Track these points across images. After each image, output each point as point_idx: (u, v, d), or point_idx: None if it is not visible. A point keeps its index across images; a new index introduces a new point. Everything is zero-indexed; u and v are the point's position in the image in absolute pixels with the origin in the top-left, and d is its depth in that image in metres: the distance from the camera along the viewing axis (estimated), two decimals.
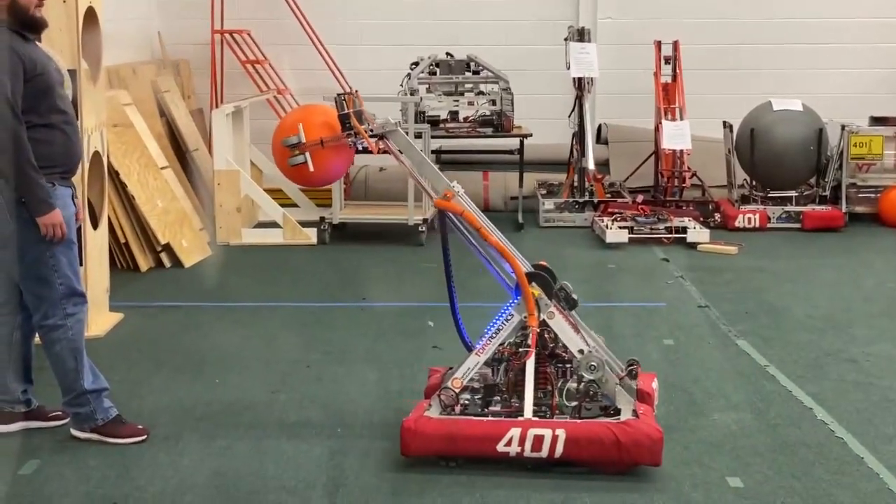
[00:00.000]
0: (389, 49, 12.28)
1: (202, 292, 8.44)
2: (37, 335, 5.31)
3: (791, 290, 8.49)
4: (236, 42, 11.96)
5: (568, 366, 5.09)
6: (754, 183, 11.18)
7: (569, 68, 11.09)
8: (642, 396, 5.10)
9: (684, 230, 10.15)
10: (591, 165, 11.05)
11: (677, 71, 11.27)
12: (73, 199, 5.20)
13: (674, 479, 4.80)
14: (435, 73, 11.31)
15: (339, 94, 5.18)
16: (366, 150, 5.24)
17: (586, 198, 11.09)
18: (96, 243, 7.23)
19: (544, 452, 4.78)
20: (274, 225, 10.41)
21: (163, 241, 9.03)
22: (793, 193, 11.08)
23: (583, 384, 4.98)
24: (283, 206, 10.60)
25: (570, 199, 11.15)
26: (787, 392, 6.01)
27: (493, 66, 11.31)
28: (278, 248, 10.09)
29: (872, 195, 11.18)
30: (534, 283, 5.02)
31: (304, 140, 5.09)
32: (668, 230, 10.19)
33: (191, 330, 7.37)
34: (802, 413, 5.69)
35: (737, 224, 10.81)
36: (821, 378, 6.28)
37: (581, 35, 11.21)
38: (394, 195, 10.88)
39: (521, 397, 4.94)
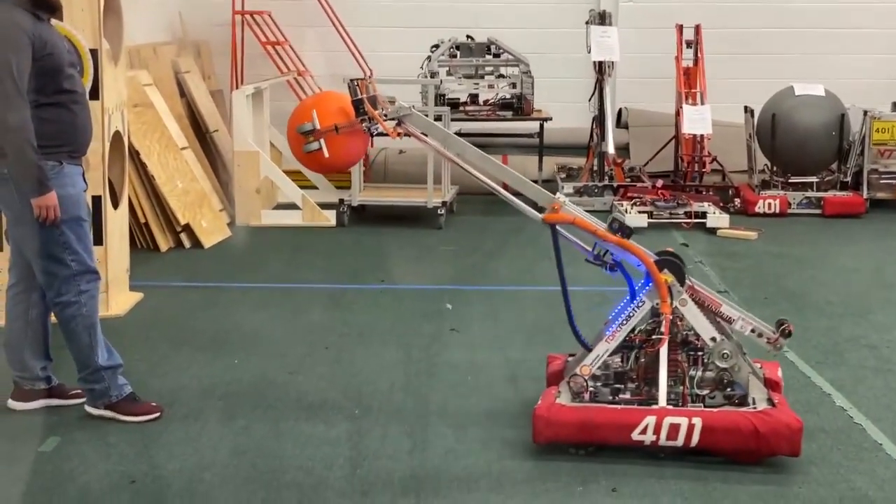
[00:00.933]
0: (410, 31, 12.27)
1: (221, 273, 8.46)
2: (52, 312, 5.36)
3: (811, 275, 8.46)
4: (256, 23, 11.96)
5: (700, 353, 5.02)
6: (775, 168, 11.13)
7: (590, 52, 11.05)
8: (770, 385, 5.05)
9: (704, 215, 10.12)
10: (610, 149, 11.01)
11: (699, 55, 11.21)
12: (83, 178, 5.23)
13: (694, 464, 4.79)
14: (455, 56, 11.32)
15: (352, 80, 5.16)
16: (381, 135, 5.23)
17: (606, 182, 11.07)
18: (117, 223, 7.26)
19: (680, 441, 4.74)
20: (293, 206, 10.43)
21: (182, 222, 9.06)
22: (814, 179, 11.04)
23: (716, 372, 4.94)
24: (302, 187, 10.62)
25: (590, 183, 11.13)
26: (805, 378, 6.00)
27: (514, 49, 11.29)
28: (297, 229, 10.11)
29: (894, 181, 11.11)
30: (665, 270, 4.97)
31: (318, 126, 5.10)
32: (688, 215, 10.16)
33: (210, 310, 7.39)
34: (821, 399, 5.68)
35: (757, 209, 10.77)
36: (840, 364, 6.26)
37: (602, 18, 11.17)
38: (413, 178, 10.89)
39: (652, 385, 4.91)
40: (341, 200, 10.35)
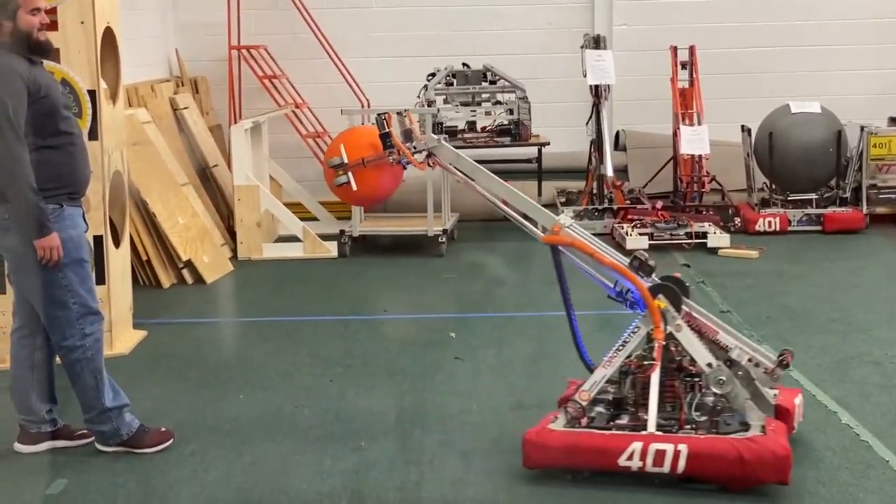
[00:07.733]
0: (406, 60, 12.30)
1: (225, 308, 8.48)
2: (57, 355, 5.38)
3: (813, 293, 8.46)
4: (253, 57, 12.01)
5: (697, 379, 5.00)
6: (774, 186, 11.15)
7: (585, 76, 11.09)
8: (781, 412, 5.03)
9: (704, 235, 10.12)
10: (609, 172, 11.03)
11: (694, 76, 11.24)
12: (84, 219, 5.26)
13: (701, 485, 4.79)
14: (452, 84, 11.36)
15: (379, 114, 5.29)
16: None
17: (605, 205, 11.08)
18: (119, 262, 7.28)
19: (666, 467, 4.71)
20: (294, 239, 10.45)
21: (184, 258, 9.08)
22: (813, 196, 11.03)
23: (712, 398, 4.92)
24: (303, 219, 10.63)
25: (590, 207, 11.14)
26: (810, 396, 5.99)
27: (510, 75, 11.34)
28: (299, 262, 10.12)
29: (893, 196, 11.12)
30: (660, 296, 4.99)
31: (346, 161, 5.19)
32: (689, 235, 10.17)
33: (214, 345, 7.41)
34: (827, 417, 5.68)
35: (757, 228, 10.78)
36: (844, 381, 6.26)
37: (597, 42, 11.20)
38: (413, 206, 10.90)
39: (648, 411, 4.90)
40: (342, 231, 10.37)
